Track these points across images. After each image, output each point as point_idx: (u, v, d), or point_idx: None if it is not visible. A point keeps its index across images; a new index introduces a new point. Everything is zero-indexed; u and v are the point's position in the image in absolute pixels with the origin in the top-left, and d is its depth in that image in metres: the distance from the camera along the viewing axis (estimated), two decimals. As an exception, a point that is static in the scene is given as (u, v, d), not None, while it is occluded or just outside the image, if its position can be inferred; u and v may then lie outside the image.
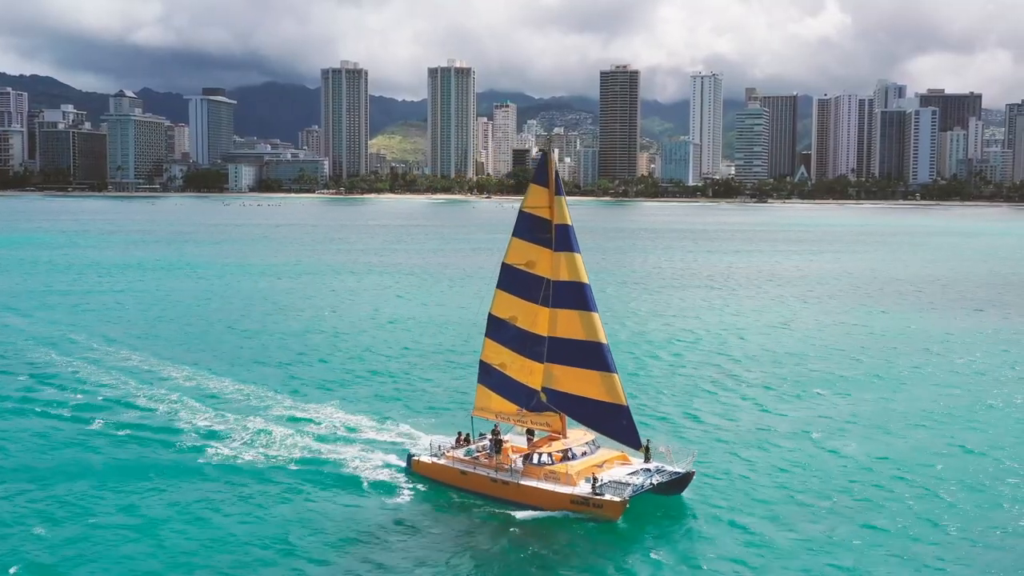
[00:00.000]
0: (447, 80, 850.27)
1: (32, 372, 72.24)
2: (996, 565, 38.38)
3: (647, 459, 46.13)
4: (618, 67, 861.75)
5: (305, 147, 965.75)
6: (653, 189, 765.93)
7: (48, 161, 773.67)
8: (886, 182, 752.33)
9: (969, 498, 45.64)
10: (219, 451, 51.12)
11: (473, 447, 48.11)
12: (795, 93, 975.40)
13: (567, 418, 47.80)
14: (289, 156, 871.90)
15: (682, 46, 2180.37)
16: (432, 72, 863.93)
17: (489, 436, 48.15)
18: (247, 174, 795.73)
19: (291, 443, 51.75)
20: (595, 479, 43.45)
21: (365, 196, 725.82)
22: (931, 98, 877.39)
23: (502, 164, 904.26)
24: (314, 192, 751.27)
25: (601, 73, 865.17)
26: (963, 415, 61.21)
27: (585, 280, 46.03)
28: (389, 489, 45.83)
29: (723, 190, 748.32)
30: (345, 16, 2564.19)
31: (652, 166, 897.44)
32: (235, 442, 52.42)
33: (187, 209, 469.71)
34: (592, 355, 46.00)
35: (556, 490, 43.55)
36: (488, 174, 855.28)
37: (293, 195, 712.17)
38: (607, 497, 42.61)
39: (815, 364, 76.52)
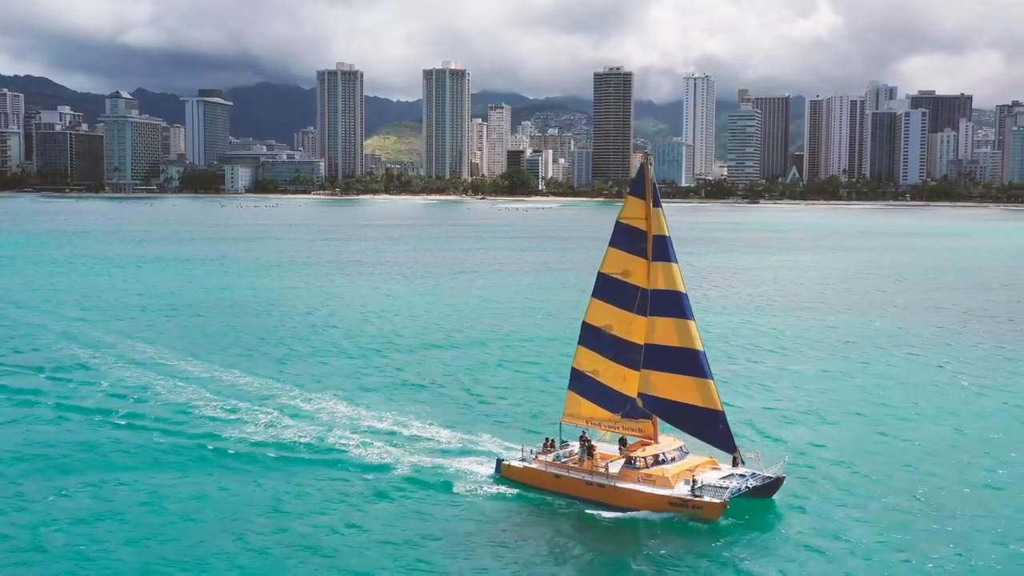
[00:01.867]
0: (442, 82, 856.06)
1: (58, 365, 75.37)
2: None
3: (734, 464, 46.53)
4: (611, 69, 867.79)
5: (301, 148, 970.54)
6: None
7: (45, 162, 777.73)
8: (876, 183, 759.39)
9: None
10: (318, 456, 52.04)
11: (562, 452, 48.22)
12: (787, 95, 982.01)
13: (658, 425, 48.42)
14: (285, 157, 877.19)
15: (675, 47, 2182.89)
16: (427, 74, 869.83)
17: (579, 442, 48.50)
18: (243, 175, 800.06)
19: (378, 451, 52.22)
20: (694, 481, 43.87)
21: (361, 197, 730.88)
22: (922, 99, 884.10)
23: (496, 165, 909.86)
24: (310, 193, 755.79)
25: (595, 75, 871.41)
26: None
27: (682, 289, 46.38)
28: (481, 493, 46.40)
29: (715, 191, 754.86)
30: (337, 16, 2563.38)
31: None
32: (332, 450, 53.02)
33: (189, 210, 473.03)
34: (689, 361, 46.31)
35: (654, 492, 43.86)
36: (483, 175, 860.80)
37: (289, 196, 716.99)
38: (707, 499, 42.94)
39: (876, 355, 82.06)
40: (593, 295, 48.86)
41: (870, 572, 38.32)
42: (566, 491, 45.62)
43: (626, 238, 47.38)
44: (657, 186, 47.74)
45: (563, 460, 47.14)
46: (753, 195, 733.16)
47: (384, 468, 49.47)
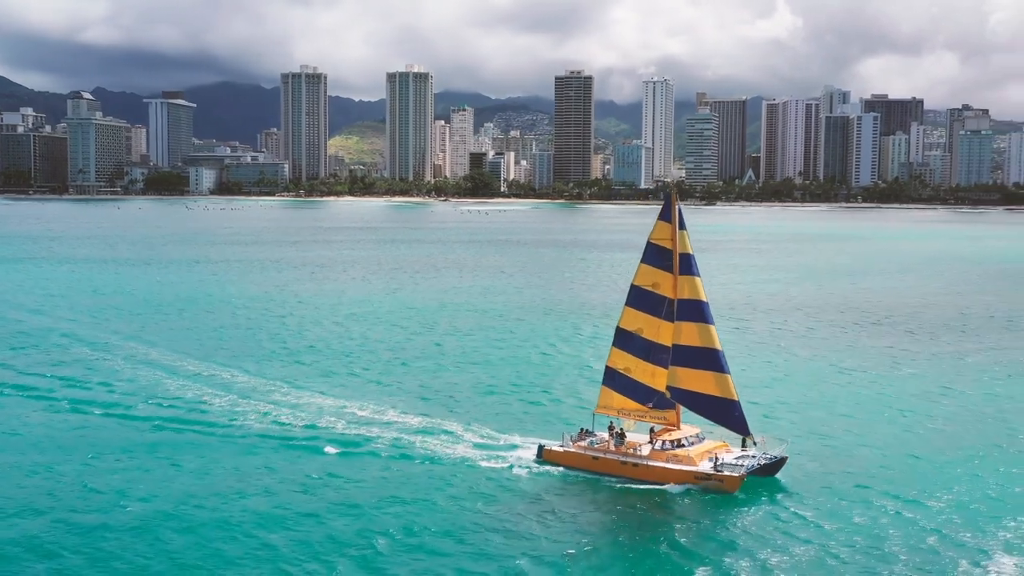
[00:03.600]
0: (405, 84, 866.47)
1: (57, 362, 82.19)
2: None
3: (743, 446, 53.39)
4: (572, 72, 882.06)
5: (264, 149, 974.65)
6: (606, 191, 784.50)
7: (8, 164, 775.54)
8: (829, 185, 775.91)
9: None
10: (371, 451, 57.28)
11: (595, 438, 54.96)
12: (744, 98, 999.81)
13: (680, 414, 55.40)
14: (249, 159, 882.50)
15: (635, 47, 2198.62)
16: (390, 77, 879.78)
17: (608, 430, 55.49)
18: (208, 177, 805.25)
19: (432, 445, 57.78)
20: (716, 458, 51.30)
21: (325, 199, 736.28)
22: (875, 103, 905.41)
23: (459, 167, 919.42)
24: (275, 195, 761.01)
25: (556, 78, 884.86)
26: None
27: (704, 299, 53.71)
28: (528, 474, 53.03)
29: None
30: (296, 16, 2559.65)
31: (607, 167, 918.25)
32: (387, 444, 58.22)
33: (157, 212, 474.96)
34: (709, 359, 53.42)
35: (682, 468, 50.94)
36: (445, 177, 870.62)
37: (254, 198, 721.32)
38: (727, 473, 50.20)
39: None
40: (627, 304, 56.20)
41: (863, 536, 44.86)
42: (604, 470, 52.69)
43: (655, 256, 54.76)
44: (681, 211, 55.14)
45: (596, 445, 54.26)
46: (710, 197, 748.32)
47: (437, 461, 55.36)
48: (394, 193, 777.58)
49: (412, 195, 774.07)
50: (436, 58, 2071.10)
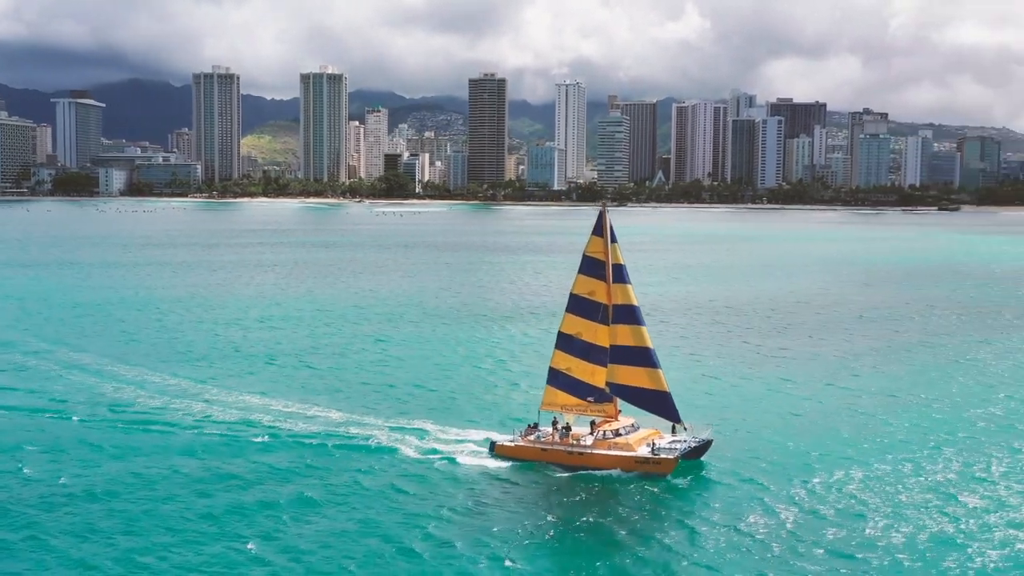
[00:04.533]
0: (319, 85, 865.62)
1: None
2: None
3: (674, 432, 58.59)
4: (486, 74, 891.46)
5: (175, 150, 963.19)
6: (520, 192, 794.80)
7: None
8: (736, 186, 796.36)
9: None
10: (325, 450, 60.14)
11: (541, 432, 59.31)
12: (655, 100, 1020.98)
13: (619, 406, 60.25)
14: (161, 160, 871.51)
15: (548, 48, 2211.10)
16: (304, 78, 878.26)
17: (552, 425, 59.83)
18: (118, 178, 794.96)
19: (390, 441, 61.35)
20: (653, 444, 56.53)
21: (239, 200, 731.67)
22: (780, 106, 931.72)
23: (374, 167, 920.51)
24: (188, 196, 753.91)
25: (470, 80, 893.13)
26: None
27: (636, 303, 58.83)
28: (480, 468, 56.60)
29: (586, 194, 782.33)
30: (206, 13, 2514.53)
31: (521, 167, 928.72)
32: (355, 448, 60.72)
33: (67, 215, 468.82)
34: (643, 356, 58.47)
35: (623, 454, 55.89)
36: (360, 178, 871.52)
37: (166, 199, 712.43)
38: (663, 456, 55.37)
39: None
40: (567, 311, 61.13)
41: (782, 505, 50.98)
42: (553, 460, 57.14)
43: (591, 267, 59.95)
44: (611, 227, 59.83)
45: (542, 439, 58.74)
46: (621, 198, 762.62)
47: (392, 451, 59.48)
48: (309, 194, 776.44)
49: (327, 196, 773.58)
50: (349, 57, 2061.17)
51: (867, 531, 47.83)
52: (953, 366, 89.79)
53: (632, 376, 58.63)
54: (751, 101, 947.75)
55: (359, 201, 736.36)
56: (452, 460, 57.94)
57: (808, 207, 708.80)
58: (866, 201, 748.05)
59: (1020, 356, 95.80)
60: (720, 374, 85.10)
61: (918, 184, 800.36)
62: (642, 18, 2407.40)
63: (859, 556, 44.82)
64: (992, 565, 44.02)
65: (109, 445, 61.45)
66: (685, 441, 57.34)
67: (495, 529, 47.92)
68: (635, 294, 59.54)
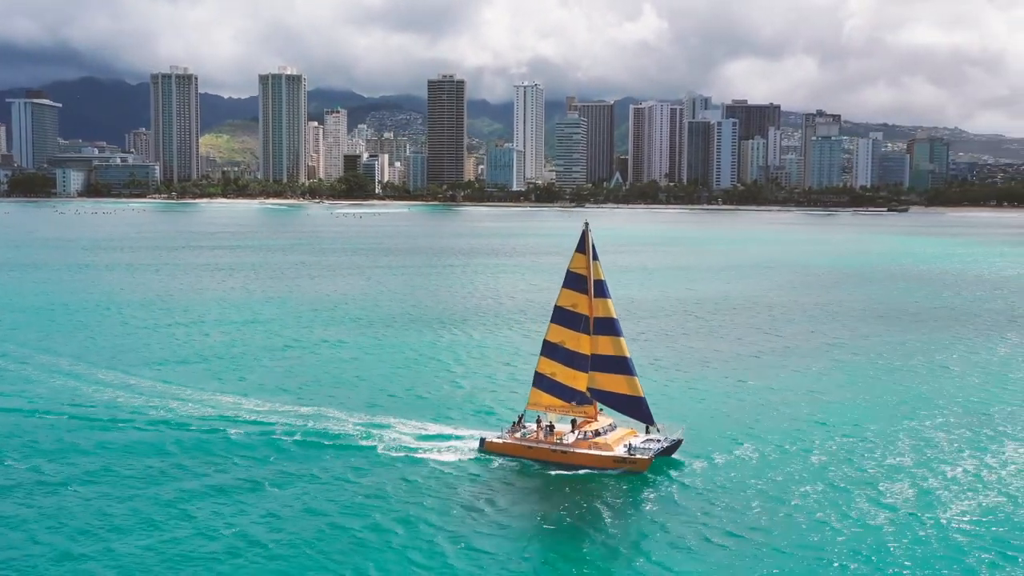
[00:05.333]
0: (278, 86, 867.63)
1: None
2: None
3: (647, 432, 62.88)
4: (445, 76, 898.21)
5: (133, 150, 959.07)
6: (480, 193, 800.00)
7: None
8: (692, 187, 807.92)
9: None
10: (345, 450, 63.18)
11: (526, 430, 63.28)
12: (612, 101, 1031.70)
13: (599, 408, 64.50)
14: (119, 160, 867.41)
15: (507, 48, 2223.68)
16: (263, 79, 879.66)
17: (536, 423, 64.07)
18: (76, 179, 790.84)
19: (389, 440, 64.82)
20: (630, 444, 60.71)
21: (198, 201, 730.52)
22: (735, 108, 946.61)
23: (334, 168, 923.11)
24: (146, 197, 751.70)
25: (429, 82, 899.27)
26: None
27: (615, 316, 63.45)
28: (472, 463, 60.77)
29: (545, 195, 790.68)
30: (161, 11, 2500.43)
31: (481, 167, 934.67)
32: (357, 447, 63.88)
33: (26, 216, 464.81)
34: (621, 365, 63.07)
35: (602, 453, 59.93)
36: (320, 178, 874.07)
37: (125, 200, 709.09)
38: (639, 456, 59.49)
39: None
40: (552, 321, 65.50)
41: (750, 496, 55.04)
42: (537, 457, 61.18)
43: (574, 281, 64.24)
44: (593, 245, 63.79)
45: (527, 436, 62.75)
46: (579, 199, 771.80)
47: (392, 456, 62.28)
48: (268, 195, 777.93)
49: (287, 197, 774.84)
50: (308, 56, 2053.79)
51: (818, 515, 52.70)
52: (897, 364, 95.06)
53: (611, 383, 63.38)
54: (706, 103, 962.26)
55: (319, 202, 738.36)
56: (441, 455, 61.83)
57: (762, 208, 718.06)
58: (818, 202, 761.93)
59: (965, 355, 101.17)
60: (676, 377, 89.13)
61: (869, 185, 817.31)
62: (600, 18, 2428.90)
63: (815, 540, 49.35)
64: (954, 556, 47.80)
65: (72, 443, 63.89)
66: (659, 440, 61.80)
67: (482, 520, 51.50)
68: (614, 307, 64.05)
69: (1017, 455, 64.03)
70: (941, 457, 63.70)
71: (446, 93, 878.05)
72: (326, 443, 64.54)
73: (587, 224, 64.21)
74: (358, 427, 67.90)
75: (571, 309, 64.21)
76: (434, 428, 67.75)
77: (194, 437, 65.76)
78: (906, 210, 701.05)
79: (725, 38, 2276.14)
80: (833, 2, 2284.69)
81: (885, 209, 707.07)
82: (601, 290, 63.49)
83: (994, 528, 51.03)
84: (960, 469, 61.03)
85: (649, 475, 58.72)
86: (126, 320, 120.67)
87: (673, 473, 59.39)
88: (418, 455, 61.94)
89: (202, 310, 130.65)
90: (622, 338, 63.82)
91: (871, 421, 72.95)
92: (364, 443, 64.44)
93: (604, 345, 63.42)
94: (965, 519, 52.36)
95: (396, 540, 48.89)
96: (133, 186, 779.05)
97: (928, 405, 78.59)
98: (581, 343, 63.97)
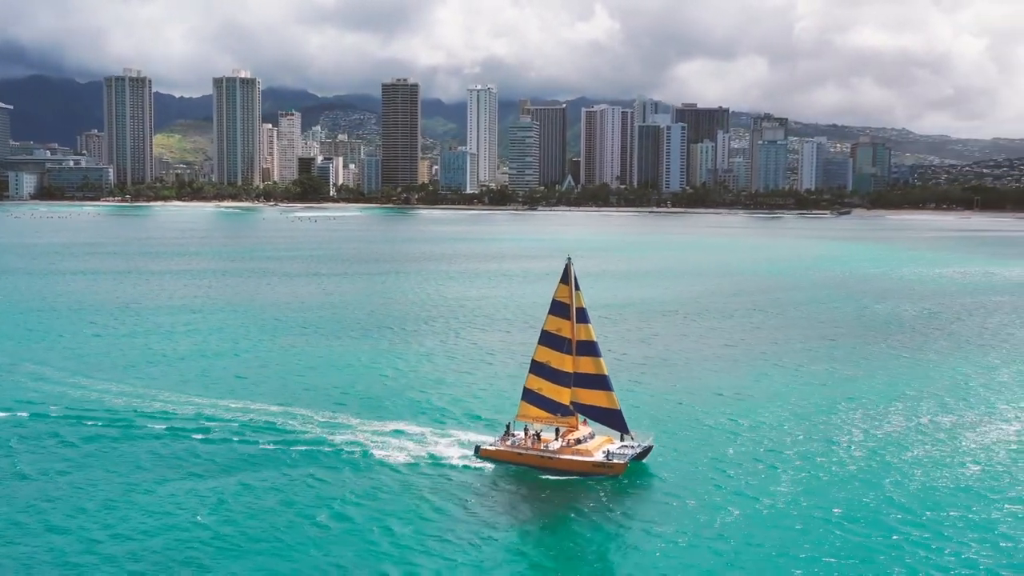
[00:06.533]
0: (232, 89, 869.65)
1: None
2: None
3: (622, 440, 69.04)
4: (399, 80, 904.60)
5: (85, 152, 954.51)
6: (434, 196, 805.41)
7: None
8: (642, 190, 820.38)
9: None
10: (348, 458, 68.14)
11: (516, 438, 69.54)
12: (564, 103, 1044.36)
13: (580, 419, 70.93)
14: (72, 163, 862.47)
15: (461, 47, 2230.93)
16: (217, 81, 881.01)
17: (523, 432, 70.15)
18: (28, 182, 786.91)
19: (390, 447, 70.48)
20: (608, 451, 67.01)
21: (152, 204, 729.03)
22: (685, 112, 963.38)
23: (288, 170, 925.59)
24: (100, 200, 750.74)
25: (383, 85, 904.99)
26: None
27: (595, 339, 69.85)
28: (468, 468, 66.54)
29: (498, 198, 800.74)
30: (111, 9, 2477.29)
31: (435, 168, 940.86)
32: (357, 452, 69.09)
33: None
34: (601, 382, 69.60)
35: (583, 459, 66.18)
36: (274, 181, 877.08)
37: (79, 203, 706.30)
38: (616, 461, 65.61)
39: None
40: (539, 343, 72.13)
41: (715, 498, 60.61)
42: (526, 462, 67.47)
43: (558, 309, 71.06)
44: (575, 277, 70.17)
45: (517, 444, 69.13)
46: (532, 202, 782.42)
47: (395, 462, 67.42)
48: (223, 198, 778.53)
49: (241, 200, 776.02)
50: (261, 55, 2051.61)
51: (780, 506, 59.10)
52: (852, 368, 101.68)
53: (592, 397, 70.32)
54: (656, 107, 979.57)
55: (274, 205, 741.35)
56: (438, 460, 67.82)
57: (710, 211, 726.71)
58: (765, 205, 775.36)
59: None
60: (635, 385, 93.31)
61: (814, 187, 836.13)
62: (552, 18, 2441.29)
63: (776, 535, 54.62)
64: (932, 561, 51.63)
65: (36, 445, 67.90)
66: (632, 447, 68.39)
67: (471, 522, 56.77)
68: (594, 331, 70.68)
69: (948, 445, 72.49)
70: (905, 453, 70.55)
71: (400, 96, 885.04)
72: (311, 448, 69.63)
73: (569, 259, 70.96)
74: (357, 433, 73.62)
75: (556, 333, 71.10)
76: (428, 432, 74.01)
77: (165, 442, 69.97)
78: (848, 213, 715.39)
79: (677, 39, 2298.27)
80: (783, 4, 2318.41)
81: (829, 212, 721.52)
82: (582, 317, 70.47)
83: (951, 524, 56.96)
84: (917, 454, 69.85)
85: (624, 479, 65.03)
86: (90, 325, 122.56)
87: (645, 476, 66.13)
88: (414, 461, 67.46)
89: (167, 317, 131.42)
90: (601, 358, 70.70)
91: (803, 420, 79.38)
92: (350, 450, 69.60)
93: (585, 364, 70.41)
94: (928, 513, 58.42)
95: (395, 541, 53.95)
96: (86, 189, 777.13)
97: (880, 404, 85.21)
98: (565, 363, 70.79)
